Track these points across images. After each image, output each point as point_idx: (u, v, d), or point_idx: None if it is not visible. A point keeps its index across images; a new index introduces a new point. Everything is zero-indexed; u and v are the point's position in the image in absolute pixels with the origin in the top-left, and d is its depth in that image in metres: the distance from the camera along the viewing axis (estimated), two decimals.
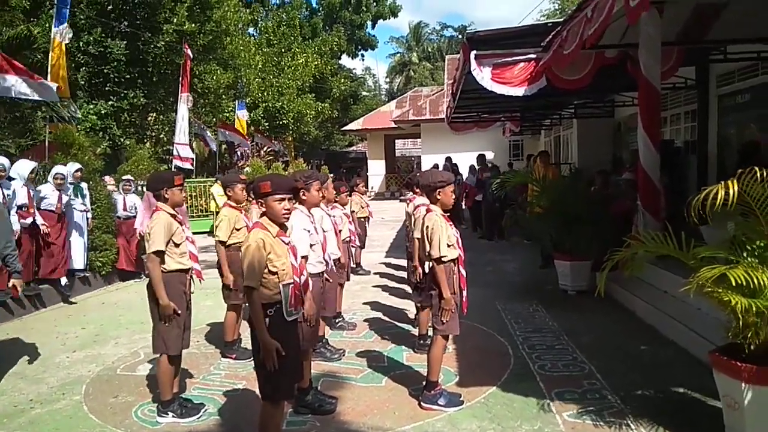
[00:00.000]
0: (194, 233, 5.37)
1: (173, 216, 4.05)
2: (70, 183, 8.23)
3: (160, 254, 3.91)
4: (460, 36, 46.33)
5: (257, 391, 4.47)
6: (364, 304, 7.31)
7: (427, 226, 4.05)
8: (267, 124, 21.80)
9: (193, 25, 14.30)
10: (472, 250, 10.66)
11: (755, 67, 7.70)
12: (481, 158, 14.92)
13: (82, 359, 5.51)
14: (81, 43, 12.93)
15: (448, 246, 3.98)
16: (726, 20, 6.15)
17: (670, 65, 7.41)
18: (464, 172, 15.26)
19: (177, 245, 4.00)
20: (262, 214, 3.31)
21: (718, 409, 3.47)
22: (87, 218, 8.57)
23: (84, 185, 8.60)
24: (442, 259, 3.95)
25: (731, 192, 2.98)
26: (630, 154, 10.73)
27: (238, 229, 5.34)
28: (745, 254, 3.21)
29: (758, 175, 2.99)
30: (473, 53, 6.90)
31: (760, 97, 7.71)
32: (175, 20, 13.73)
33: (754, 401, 3.02)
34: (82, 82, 13.63)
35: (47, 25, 12.01)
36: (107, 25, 13.40)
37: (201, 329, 6.18)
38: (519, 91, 7.10)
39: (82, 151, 9.19)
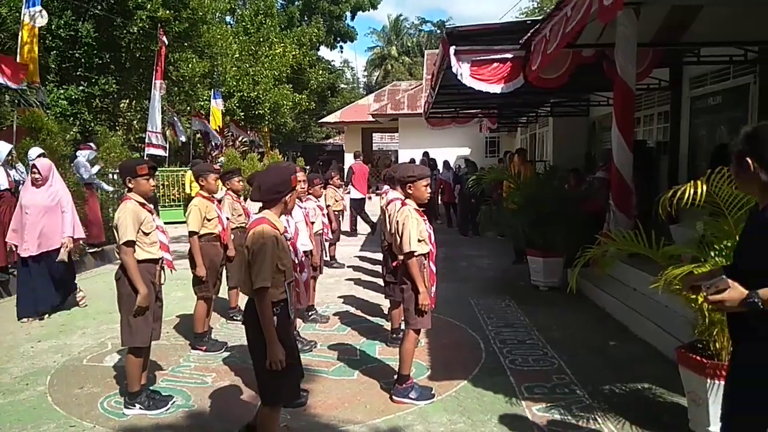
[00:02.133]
0: (167, 223, 5.29)
1: (142, 205, 3.96)
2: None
3: (131, 244, 3.84)
4: (438, 31, 46.41)
5: (227, 384, 4.46)
6: (338, 297, 7.29)
7: (398, 221, 4.04)
8: (243, 114, 21.53)
9: (168, 11, 13.99)
10: (447, 245, 10.73)
11: (727, 71, 7.85)
12: (425, 155, 16.00)
13: (47, 349, 5.39)
14: (52, 26, 12.59)
15: (419, 241, 3.97)
16: (700, 23, 6.26)
17: (645, 66, 7.52)
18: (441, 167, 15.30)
19: (146, 234, 3.92)
20: (261, 209, 3.16)
21: (684, 404, 3.54)
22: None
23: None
24: (414, 253, 3.95)
25: (699, 191, 3.04)
26: (603, 153, 10.87)
27: (209, 220, 5.27)
28: (713, 254, 3.28)
29: (727, 175, 3.05)
30: (452, 49, 6.91)
31: (731, 99, 7.87)
32: (148, 6, 13.43)
33: (717, 397, 3.08)
34: (53, 66, 13.26)
35: (14, 5, 11.67)
36: (78, 8, 13.05)
37: (171, 320, 6.09)
38: (497, 88, 7.14)
39: (51, 136, 8.96)
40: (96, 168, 10.05)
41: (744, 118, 7.51)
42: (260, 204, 3.21)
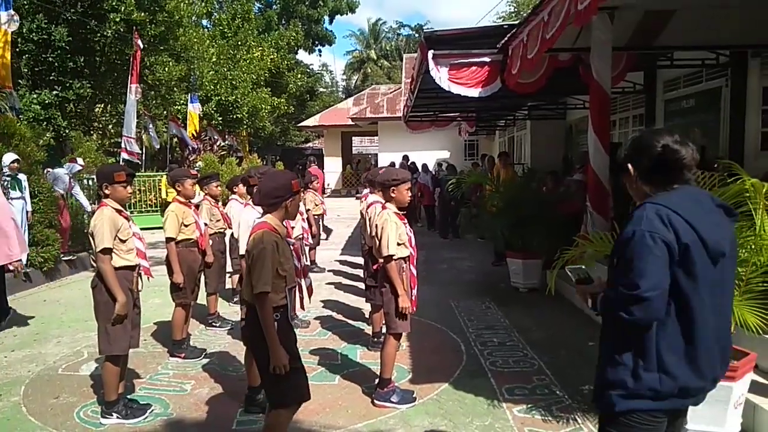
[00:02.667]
0: (143, 229, 5.21)
1: (119, 211, 3.90)
2: (7, 175, 7.87)
3: (108, 251, 3.77)
4: (417, 35, 46.59)
5: (206, 391, 4.40)
6: (319, 301, 7.26)
7: (377, 224, 4.04)
8: (220, 118, 21.37)
9: (143, 14, 13.83)
10: (427, 248, 10.75)
11: (700, 74, 8.02)
12: (405, 158, 16.35)
13: (21, 359, 5.27)
14: (24, 30, 12.37)
15: (399, 244, 3.97)
16: (673, 28, 6.37)
17: (620, 70, 7.63)
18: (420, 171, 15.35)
19: (123, 241, 3.86)
20: (262, 214, 3.14)
21: None
22: (27, 212, 8.21)
23: (23, 177, 8.22)
24: (393, 257, 3.95)
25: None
26: (580, 156, 11.01)
27: (186, 225, 5.20)
28: None
29: (700, 178, 3.10)
30: (431, 53, 6.94)
31: (704, 102, 8.03)
32: (122, 9, 13.25)
33: None
34: (25, 70, 13.03)
35: None
36: (50, 12, 12.83)
37: (148, 327, 6.00)
38: (475, 92, 7.18)
39: (24, 142, 8.80)
40: (71, 183, 9.89)
41: (716, 120, 7.68)
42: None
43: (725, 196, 3.04)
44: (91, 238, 3.85)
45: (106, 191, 3.89)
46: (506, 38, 6.68)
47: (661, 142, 1.96)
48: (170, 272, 5.13)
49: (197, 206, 5.80)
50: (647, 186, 2.01)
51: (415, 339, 5.37)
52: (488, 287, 7.81)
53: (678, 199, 1.91)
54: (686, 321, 1.88)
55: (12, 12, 8.83)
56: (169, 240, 5.13)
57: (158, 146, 18.29)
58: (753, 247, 3.14)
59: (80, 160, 10.52)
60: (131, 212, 13.59)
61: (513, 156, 17.49)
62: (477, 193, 10.92)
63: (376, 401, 4.09)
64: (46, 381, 4.70)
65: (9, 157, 8.00)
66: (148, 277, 4.25)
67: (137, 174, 14.78)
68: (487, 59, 7.05)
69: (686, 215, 1.85)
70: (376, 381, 4.21)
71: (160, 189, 14.71)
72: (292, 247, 3.17)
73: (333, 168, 28.63)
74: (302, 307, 3.35)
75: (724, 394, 3.06)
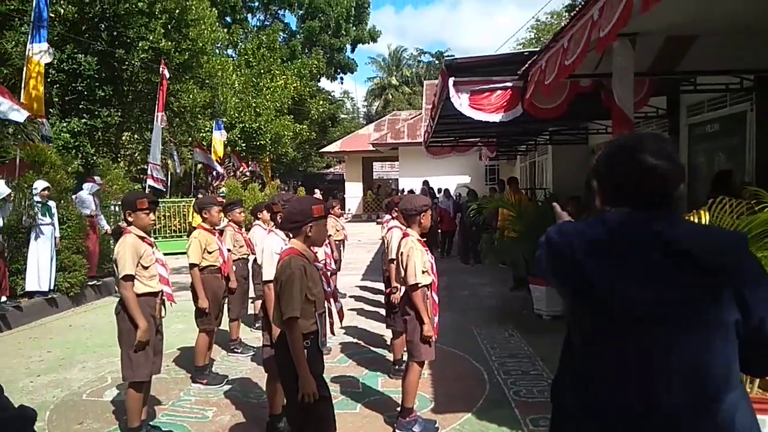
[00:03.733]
0: (168, 254, 5.28)
1: (142, 238, 3.96)
2: (38, 201, 8.07)
3: (130, 278, 3.82)
4: (437, 62, 47.00)
5: (228, 419, 4.39)
6: (340, 328, 7.22)
7: (402, 252, 4.04)
8: (244, 144, 21.71)
9: (169, 42, 14.21)
10: (449, 274, 10.69)
11: (723, 98, 7.93)
12: (425, 183, 16.53)
13: (46, 384, 5.33)
14: (54, 60, 12.78)
15: (423, 272, 3.97)
16: (696, 53, 6.32)
17: (642, 95, 7.57)
18: (440, 196, 15.36)
19: (146, 268, 3.91)
20: (291, 239, 3.13)
21: None
22: (55, 238, 8.39)
23: (52, 204, 8.43)
24: (418, 285, 3.94)
25: (703, 221, 3.04)
26: None
27: (210, 252, 5.26)
28: None
29: (727, 205, 3.06)
30: (451, 80, 6.99)
31: (728, 127, 7.93)
32: (151, 37, 13.64)
33: None
34: (56, 99, 13.43)
35: (19, 39, 11.84)
36: (79, 42, 13.26)
37: (171, 353, 6.03)
38: (496, 117, 7.19)
39: (54, 169, 9.03)
40: (93, 206, 10.08)
41: (742, 145, 7.56)
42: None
43: (753, 225, 2.98)
44: (114, 265, 3.92)
45: (129, 219, 3.96)
46: (527, 65, 6.70)
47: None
48: (195, 298, 5.18)
49: (221, 232, 5.86)
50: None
51: (437, 367, 5.31)
52: (511, 314, 7.72)
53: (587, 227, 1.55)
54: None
55: (46, 45, 9.15)
56: (192, 266, 5.20)
57: (181, 172, 18.59)
58: None
59: (97, 178, 10.73)
60: (156, 238, 13.82)
61: (534, 181, 17.41)
62: (496, 219, 10.87)
63: (397, 431, 4.03)
64: (71, 406, 4.74)
65: (41, 185, 8.21)
66: (171, 303, 4.29)
67: (162, 200, 15.05)
68: (508, 84, 7.08)
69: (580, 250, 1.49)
70: (398, 410, 4.16)
71: (185, 215, 14.90)
72: (320, 272, 3.15)
73: (354, 193, 28.79)
74: (332, 332, 3.32)
75: None
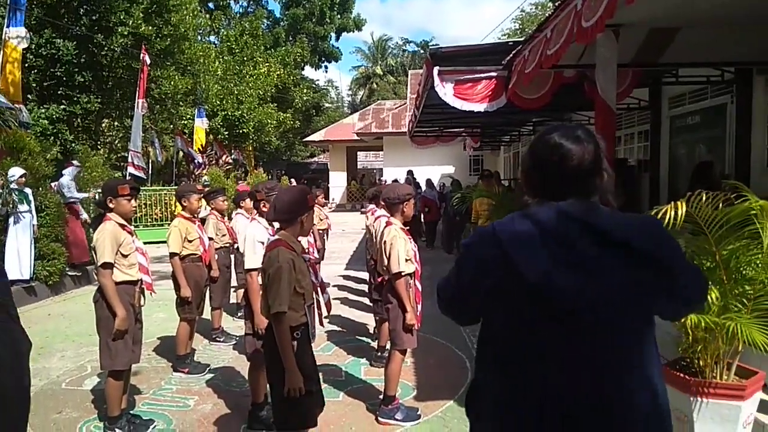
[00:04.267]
0: (149, 243, 5.23)
1: (122, 226, 3.91)
2: (15, 189, 7.93)
3: (109, 266, 3.77)
4: (422, 51, 46.89)
5: (209, 407, 4.38)
6: (325, 317, 7.22)
7: (385, 241, 4.04)
8: (226, 132, 21.49)
9: (150, 28, 13.97)
10: (432, 263, 10.71)
11: (705, 91, 8.01)
12: (410, 173, 16.22)
13: None
14: (32, 45, 12.51)
15: (406, 260, 3.98)
16: (678, 45, 6.38)
17: (625, 87, 7.63)
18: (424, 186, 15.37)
19: (125, 256, 3.86)
20: (278, 230, 3.08)
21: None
22: (33, 225, 8.26)
23: (28, 191, 8.28)
24: (401, 273, 3.94)
25: (680, 212, 3.07)
26: None
27: (190, 241, 5.21)
28: None
29: (704, 197, 3.09)
30: (436, 69, 6.97)
31: (709, 118, 8.02)
32: (131, 22, 13.40)
33: (701, 414, 3.09)
34: (33, 85, 13.16)
35: None
36: (58, 27, 12.98)
37: (152, 342, 5.99)
38: (480, 107, 7.20)
39: (32, 156, 8.87)
40: (80, 194, 9.95)
41: (722, 137, 7.66)
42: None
43: (732, 215, 3.02)
44: (93, 252, 3.86)
45: (111, 205, 3.90)
46: (511, 55, 6.71)
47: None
48: (176, 287, 5.14)
49: (203, 221, 5.81)
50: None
51: (419, 355, 5.34)
52: None
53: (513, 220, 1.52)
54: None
55: (23, 29, 8.95)
56: (172, 255, 5.15)
57: (162, 160, 18.38)
58: (760, 264, 3.11)
59: (75, 162, 10.52)
60: (137, 226, 13.66)
61: (518, 171, 17.50)
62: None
63: (380, 418, 4.05)
64: (50, 396, 4.69)
65: (17, 171, 8.06)
66: (150, 293, 4.24)
67: (143, 188, 14.87)
68: (493, 74, 7.08)
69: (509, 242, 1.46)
70: (380, 398, 4.18)
71: (168, 204, 14.73)
72: (308, 263, 3.13)
73: (338, 183, 28.73)
74: (321, 323, 3.30)
75: (733, 414, 3.02)
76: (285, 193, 3.13)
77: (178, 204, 13.02)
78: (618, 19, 4.91)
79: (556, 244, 1.42)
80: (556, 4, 5.21)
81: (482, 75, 7.09)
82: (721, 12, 4.98)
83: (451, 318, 1.78)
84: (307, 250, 6.28)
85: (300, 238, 5.71)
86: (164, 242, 5.45)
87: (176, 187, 12.49)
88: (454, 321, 1.81)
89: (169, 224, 10.67)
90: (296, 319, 2.92)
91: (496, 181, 11.33)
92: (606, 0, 3.57)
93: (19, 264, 8.03)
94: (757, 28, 5.62)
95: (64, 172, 9.95)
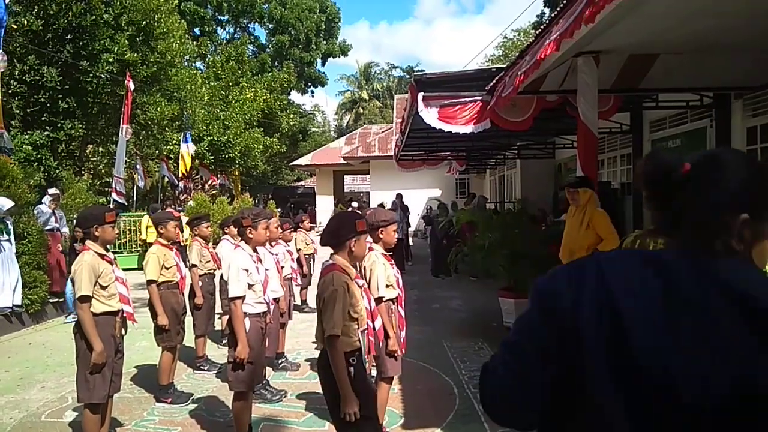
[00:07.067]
0: (131, 269, 5.15)
1: (101, 256, 3.85)
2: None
3: (86, 299, 3.70)
4: (408, 76, 47.40)
5: None
6: (311, 342, 7.14)
7: (365, 266, 4.01)
8: (212, 157, 21.44)
9: (135, 54, 14.00)
10: (419, 287, 10.69)
11: (685, 115, 8.16)
12: (398, 197, 15.80)
13: (3, 405, 5.12)
14: (15, 72, 12.46)
15: (387, 286, 3.95)
16: (657, 71, 6.51)
17: (607, 110, 7.75)
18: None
19: (104, 287, 3.78)
20: (332, 254, 3.07)
21: None
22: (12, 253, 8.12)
23: (9, 220, 8.17)
24: (382, 299, 3.91)
25: (659, 243, 3.07)
26: (563, 198, 11.10)
27: (167, 268, 5.14)
28: None
29: None
30: (420, 95, 7.04)
31: (690, 142, 8.16)
32: (116, 49, 13.42)
33: None
34: (17, 111, 13.08)
35: None
36: (42, 54, 12.96)
37: (134, 372, 5.87)
38: (465, 129, 7.26)
39: (15, 183, 8.76)
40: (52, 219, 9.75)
41: None
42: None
43: None
44: (70, 283, 3.80)
45: (96, 233, 3.83)
46: (494, 81, 6.80)
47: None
48: (153, 315, 5.06)
49: (185, 247, 5.75)
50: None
51: (406, 382, 5.28)
52: (481, 327, 7.73)
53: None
54: None
55: (1, 52, 8.88)
56: (150, 282, 5.07)
57: (143, 185, 18.28)
58: None
59: (51, 190, 10.32)
60: (120, 252, 13.48)
61: (504, 194, 17.62)
62: (468, 232, 10.95)
63: None
64: (29, 428, 4.57)
65: (6, 203, 7.92)
66: (132, 323, 4.17)
67: (125, 214, 14.72)
68: (477, 97, 7.17)
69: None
70: None
71: (139, 230, 14.41)
72: (362, 288, 3.14)
73: (325, 206, 28.72)
74: (372, 350, 3.31)
75: None
76: (335, 217, 3.23)
77: (146, 230, 12.86)
78: (597, 45, 5.01)
79: (687, 313, 0.98)
80: (537, 32, 5.31)
81: (466, 99, 7.17)
82: (697, 40, 5.09)
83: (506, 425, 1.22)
84: (291, 275, 6.26)
85: (284, 264, 5.68)
86: (136, 269, 5.38)
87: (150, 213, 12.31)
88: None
89: (142, 251, 10.50)
90: (350, 344, 2.93)
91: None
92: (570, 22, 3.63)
93: (12, 293, 7.91)
94: (734, 54, 5.76)
95: (44, 200, 9.84)
